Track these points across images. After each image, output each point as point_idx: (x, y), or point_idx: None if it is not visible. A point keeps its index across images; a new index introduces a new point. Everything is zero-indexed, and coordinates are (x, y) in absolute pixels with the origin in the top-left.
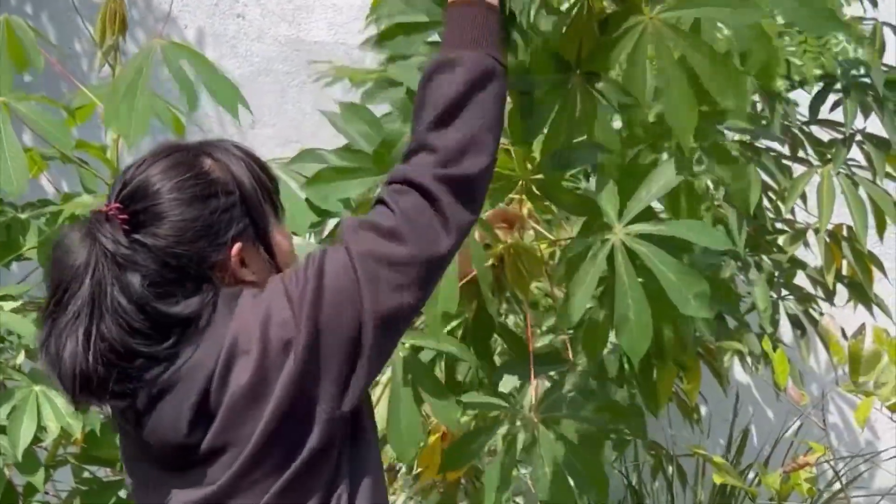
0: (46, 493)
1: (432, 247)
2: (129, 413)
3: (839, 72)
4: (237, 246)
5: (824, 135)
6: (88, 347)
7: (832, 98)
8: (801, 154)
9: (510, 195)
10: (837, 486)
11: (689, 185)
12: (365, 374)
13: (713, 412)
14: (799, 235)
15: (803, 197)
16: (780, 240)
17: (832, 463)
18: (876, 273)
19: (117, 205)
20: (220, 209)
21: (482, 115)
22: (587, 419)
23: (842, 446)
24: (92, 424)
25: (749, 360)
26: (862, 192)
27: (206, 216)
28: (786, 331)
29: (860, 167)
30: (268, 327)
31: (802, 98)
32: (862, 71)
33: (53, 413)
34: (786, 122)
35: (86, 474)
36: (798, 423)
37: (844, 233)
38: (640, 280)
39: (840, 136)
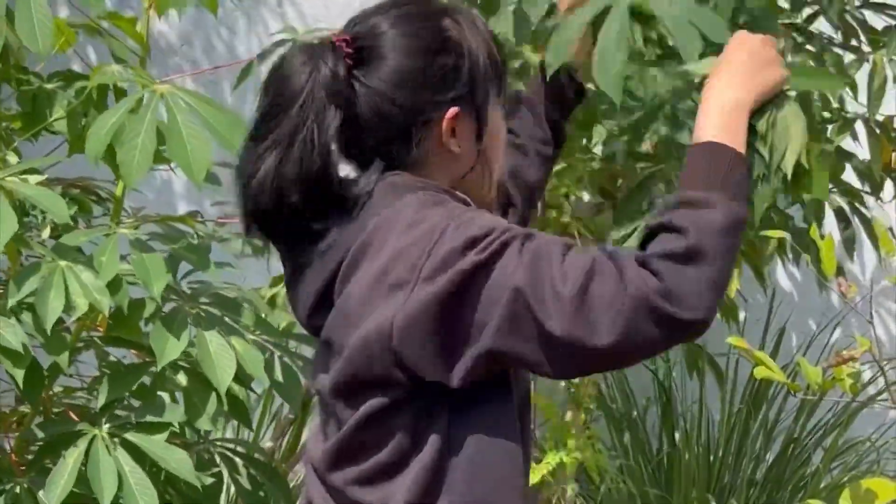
0: (71, 376)
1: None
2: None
3: None
4: (454, 109)
5: (879, 22)
6: (272, 181)
7: None
8: (853, 42)
9: None
10: (873, 388)
11: None
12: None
13: (748, 313)
14: (847, 125)
15: (852, 88)
16: (828, 130)
17: (880, 362)
18: None
19: (347, 37)
20: (449, 67)
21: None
22: None
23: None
24: (119, 302)
25: (790, 254)
26: None
27: (431, 69)
28: (827, 229)
29: None
30: (401, 254)
31: None
32: None
33: (81, 289)
34: (842, 9)
35: (111, 358)
36: (836, 325)
37: (895, 125)
38: None
39: (894, 22)
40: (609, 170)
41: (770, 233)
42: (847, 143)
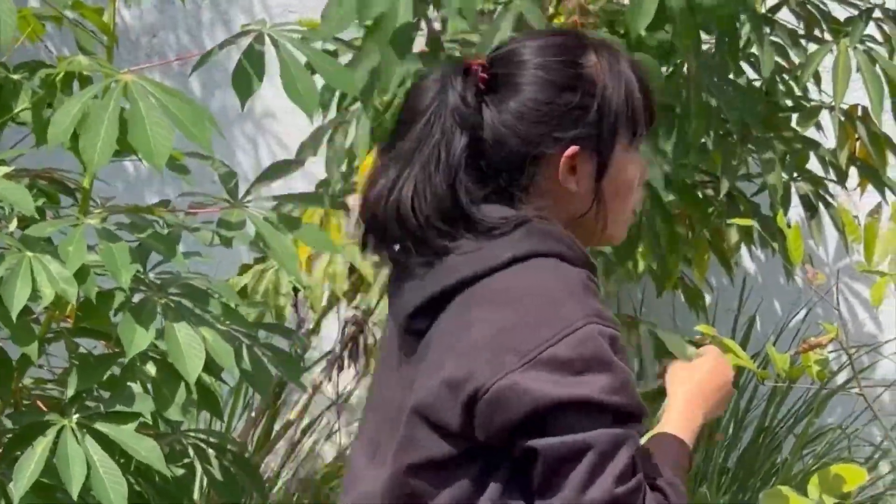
0: (41, 366)
1: None
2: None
3: None
4: (573, 148)
5: (842, 13)
6: (389, 196)
7: None
8: (816, 33)
9: None
10: (844, 376)
11: None
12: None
13: (718, 302)
14: (812, 113)
15: (817, 78)
16: (793, 119)
17: (846, 348)
18: (890, 157)
19: (483, 62)
20: (574, 105)
21: None
22: None
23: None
24: (87, 292)
25: (757, 242)
26: (878, 69)
27: (557, 105)
28: (794, 217)
29: (878, 44)
30: (530, 325)
31: None
32: None
33: (48, 279)
34: None
35: (81, 350)
36: (805, 311)
37: (859, 113)
38: None
39: (857, 12)
40: None
41: (737, 220)
42: (811, 132)
